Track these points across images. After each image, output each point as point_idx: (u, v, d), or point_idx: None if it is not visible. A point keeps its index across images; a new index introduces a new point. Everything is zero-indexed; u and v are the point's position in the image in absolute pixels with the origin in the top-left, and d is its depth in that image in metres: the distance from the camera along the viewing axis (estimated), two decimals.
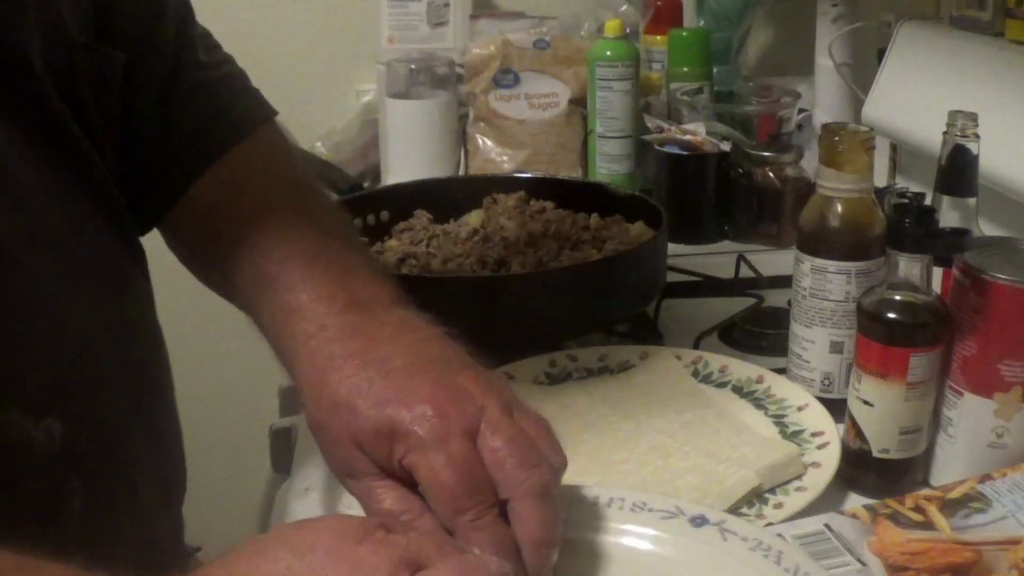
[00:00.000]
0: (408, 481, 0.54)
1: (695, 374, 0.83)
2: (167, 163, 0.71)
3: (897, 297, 0.68)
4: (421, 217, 1.03)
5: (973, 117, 0.75)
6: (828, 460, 0.70)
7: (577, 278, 0.87)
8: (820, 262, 0.76)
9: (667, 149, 1.21)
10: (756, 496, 0.68)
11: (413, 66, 1.36)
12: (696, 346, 0.90)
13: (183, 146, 0.71)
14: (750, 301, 0.99)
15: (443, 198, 1.05)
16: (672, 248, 1.03)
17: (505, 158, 1.35)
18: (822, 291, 0.76)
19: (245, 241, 0.67)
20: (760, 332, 0.93)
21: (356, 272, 0.65)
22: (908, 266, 0.67)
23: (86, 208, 0.63)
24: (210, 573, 0.46)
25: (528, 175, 1.17)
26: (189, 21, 0.74)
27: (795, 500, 0.67)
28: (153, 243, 0.74)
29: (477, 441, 0.53)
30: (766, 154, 1.17)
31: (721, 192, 1.19)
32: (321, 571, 0.45)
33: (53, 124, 0.61)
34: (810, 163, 1.17)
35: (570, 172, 1.33)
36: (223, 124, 0.72)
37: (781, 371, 0.81)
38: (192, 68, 0.72)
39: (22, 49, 0.59)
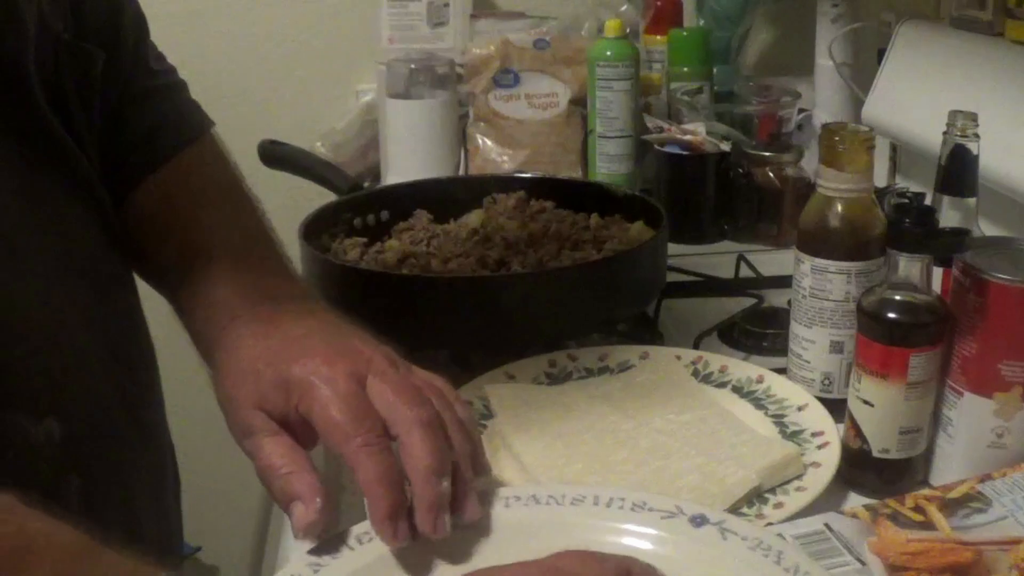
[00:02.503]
0: (303, 438, 0.59)
1: (695, 374, 0.83)
2: (116, 164, 0.72)
3: (897, 297, 0.68)
4: (421, 217, 1.03)
5: (973, 117, 0.75)
6: (828, 460, 0.70)
7: (577, 278, 0.87)
8: (820, 262, 0.76)
9: (667, 149, 1.21)
10: (756, 496, 0.67)
11: (413, 66, 1.36)
12: (696, 346, 0.90)
13: (131, 149, 0.73)
14: (750, 301, 0.99)
15: (443, 198, 1.05)
16: (672, 248, 1.02)
17: (505, 158, 1.35)
18: (822, 291, 0.76)
19: (183, 239, 0.72)
20: (760, 332, 0.93)
21: (274, 272, 0.71)
22: (908, 266, 0.67)
23: (73, 210, 0.64)
24: None
25: (528, 175, 1.17)
26: (144, 29, 0.77)
27: (795, 500, 0.67)
28: None
29: (366, 387, 0.58)
30: (766, 154, 1.17)
31: (721, 192, 1.19)
32: None
33: (44, 131, 0.61)
34: (810, 163, 1.17)
35: (570, 172, 1.33)
36: (170, 129, 0.76)
37: (781, 371, 0.81)
38: (144, 76, 0.75)
39: (20, 58, 0.59)
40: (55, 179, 0.62)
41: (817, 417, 0.75)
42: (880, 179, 1.18)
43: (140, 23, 0.76)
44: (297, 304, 0.67)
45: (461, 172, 1.37)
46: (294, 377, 0.58)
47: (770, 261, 1.08)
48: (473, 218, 1.02)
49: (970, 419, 0.68)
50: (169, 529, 0.73)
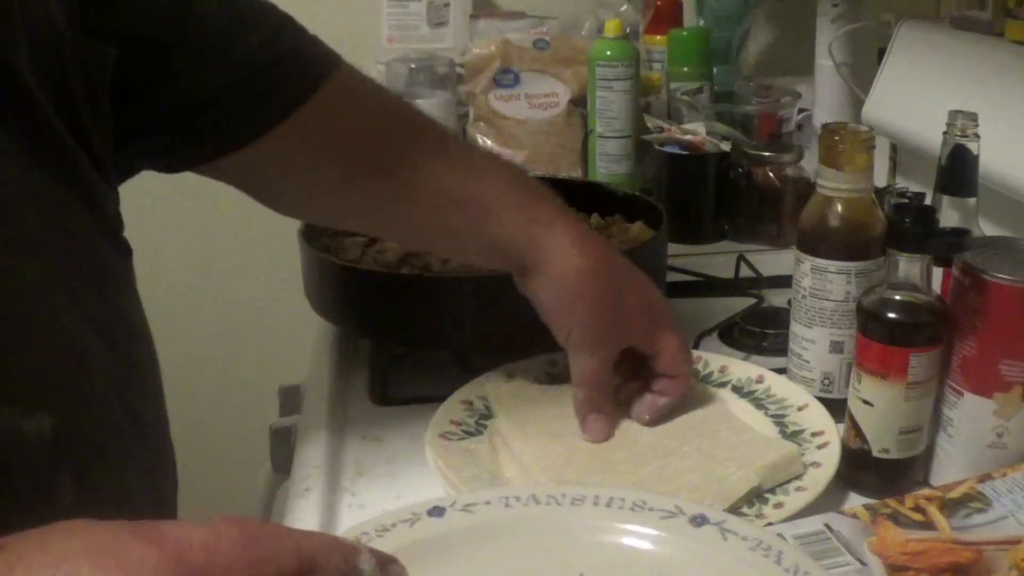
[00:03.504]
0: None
1: (695, 374, 0.83)
2: (260, 101, 0.72)
3: (897, 297, 0.68)
4: None
5: (973, 117, 0.75)
6: (828, 460, 0.70)
7: None
8: (820, 262, 0.76)
9: (667, 149, 1.21)
10: (756, 496, 0.68)
11: (413, 66, 1.36)
12: (696, 346, 0.90)
13: (281, 79, 0.73)
14: (750, 301, 0.99)
15: None
16: (672, 248, 1.02)
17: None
18: (822, 291, 0.76)
19: (393, 151, 0.75)
20: (760, 332, 0.93)
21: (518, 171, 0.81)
22: (908, 266, 0.67)
23: (71, 206, 0.63)
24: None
25: None
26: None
27: (795, 500, 0.67)
28: (157, 249, 0.74)
29: None
30: (766, 154, 1.17)
31: (721, 192, 1.19)
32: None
33: (40, 125, 0.61)
34: (810, 163, 1.17)
35: (570, 172, 1.33)
36: (321, 49, 0.77)
37: (781, 371, 0.81)
38: (254, 33, 0.74)
39: (7, 52, 0.59)
40: (50, 172, 0.62)
41: (817, 417, 0.75)
42: (880, 179, 1.18)
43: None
44: (575, 219, 0.77)
45: None
46: (657, 305, 0.75)
47: (770, 261, 1.08)
48: None
49: (970, 419, 0.68)
50: None
